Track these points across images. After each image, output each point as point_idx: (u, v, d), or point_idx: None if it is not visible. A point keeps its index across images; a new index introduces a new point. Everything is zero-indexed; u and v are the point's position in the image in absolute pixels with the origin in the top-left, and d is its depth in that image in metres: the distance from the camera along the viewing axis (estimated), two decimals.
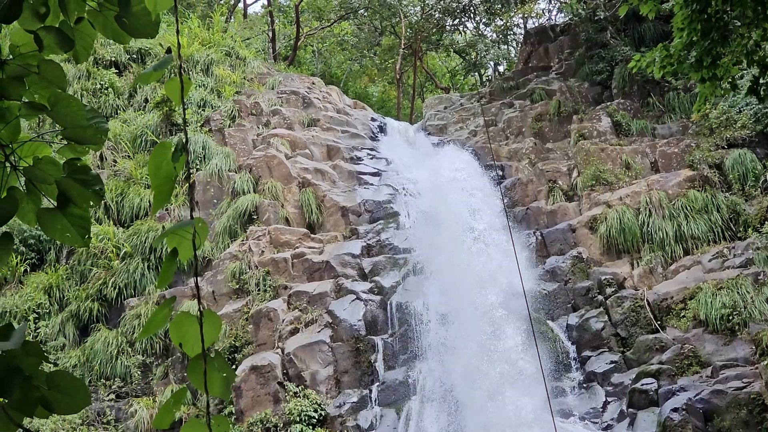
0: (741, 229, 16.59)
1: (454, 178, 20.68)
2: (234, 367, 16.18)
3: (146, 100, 24.39)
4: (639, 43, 22.97)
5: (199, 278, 19.23)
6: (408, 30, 37.28)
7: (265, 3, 39.89)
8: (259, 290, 18.04)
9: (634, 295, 16.08)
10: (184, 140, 2.41)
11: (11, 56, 2.88)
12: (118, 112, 23.98)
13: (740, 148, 17.94)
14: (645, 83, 21.98)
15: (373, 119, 26.97)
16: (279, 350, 16.59)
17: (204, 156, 21.65)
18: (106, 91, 24.34)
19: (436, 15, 35.77)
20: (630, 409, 13.85)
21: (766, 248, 15.25)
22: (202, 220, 2.40)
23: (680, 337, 14.87)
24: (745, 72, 14.99)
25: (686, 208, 17.19)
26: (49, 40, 2.84)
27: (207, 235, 2.40)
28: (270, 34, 36.72)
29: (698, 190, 17.45)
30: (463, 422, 14.73)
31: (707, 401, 13.00)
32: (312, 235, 19.89)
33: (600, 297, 16.51)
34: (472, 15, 35.26)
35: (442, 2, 34.11)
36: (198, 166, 21.38)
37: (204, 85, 24.96)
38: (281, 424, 15.17)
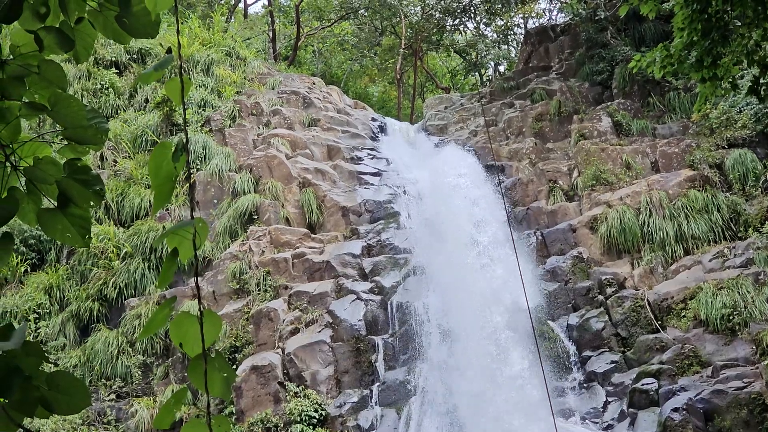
0: (741, 229, 16.58)
1: (456, 184, 20.34)
2: (234, 367, 16.18)
3: (147, 100, 24.40)
4: (639, 43, 22.97)
5: (199, 278, 19.21)
6: (408, 30, 37.28)
7: (266, 3, 39.90)
8: (259, 290, 18.05)
9: (635, 295, 16.08)
10: (184, 140, 2.41)
11: (12, 56, 2.88)
12: (119, 112, 23.99)
13: (741, 147, 17.94)
14: (645, 83, 21.98)
15: (373, 119, 26.97)
16: (279, 350, 16.59)
17: (204, 156, 21.65)
18: (106, 91, 24.35)
19: (437, 15, 35.77)
20: (630, 409, 13.85)
21: (767, 248, 15.24)
22: (203, 220, 2.40)
23: (681, 337, 14.87)
24: (745, 72, 14.99)
25: (687, 208, 17.19)
26: (49, 40, 2.84)
27: (207, 235, 2.40)
28: (270, 34, 36.73)
29: (699, 190, 17.45)
30: (463, 422, 14.74)
31: (708, 401, 13.00)
32: (312, 235, 19.90)
33: (600, 297, 16.51)
34: (472, 15, 35.26)
35: (442, 2, 34.10)
36: (198, 166, 21.38)
37: (204, 85, 24.96)
38: (282, 424, 15.17)
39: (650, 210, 17.53)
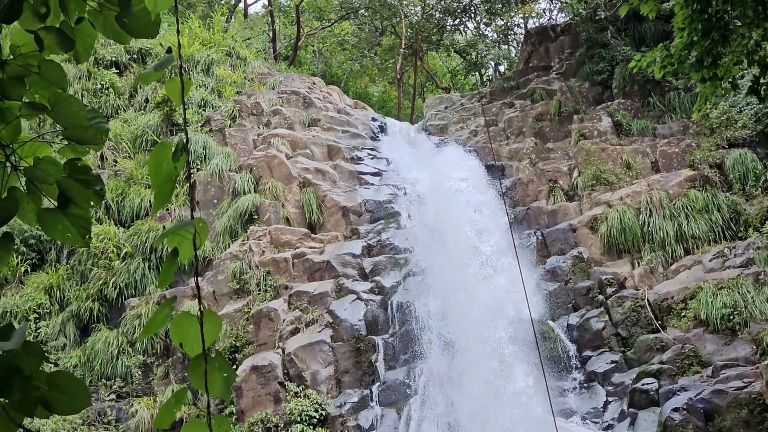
0: (742, 229, 16.58)
1: (458, 189, 20.03)
2: (235, 367, 16.18)
3: (147, 100, 24.41)
4: (639, 43, 22.97)
5: (199, 278, 19.19)
6: (408, 30, 37.28)
7: (266, 3, 39.90)
8: (259, 290, 18.05)
9: (635, 295, 16.08)
10: (184, 140, 2.41)
11: (12, 56, 2.88)
12: (119, 112, 23.99)
13: (741, 147, 17.94)
14: (645, 83, 21.98)
15: (373, 119, 26.97)
16: (280, 350, 16.59)
17: (205, 156, 21.66)
18: (106, 91, 24.36)
19: (437, 15, 35.77)
20: (631, 409, 13.85)
21: (767, 248, 15.24)
22: (203, 220, 2.40)
23: (681, 336, 14.86)
24: (745, 72, 14.99)
25: (687, 207, 17.19)
26: (49, 40, 2.84)
27: (207, 235, 2.40)
28: (270, 34, 36.73)
29: (699, 190, 17.45)
30: (463, 422, 14.73)
31: (708, 401, 13.00)
32: (313, 235, 19.90)
33: (600, 297, 16.51)
34: (472, 15, 35.26)
35: (442, 2, 34.10)
36: (199, 166, 21.38)
37: (204, 85, 24.97)
38: (282, 424, 15.17)
39: (650, 210, 17.53)
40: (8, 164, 2.78)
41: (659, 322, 15.48)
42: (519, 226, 19.22)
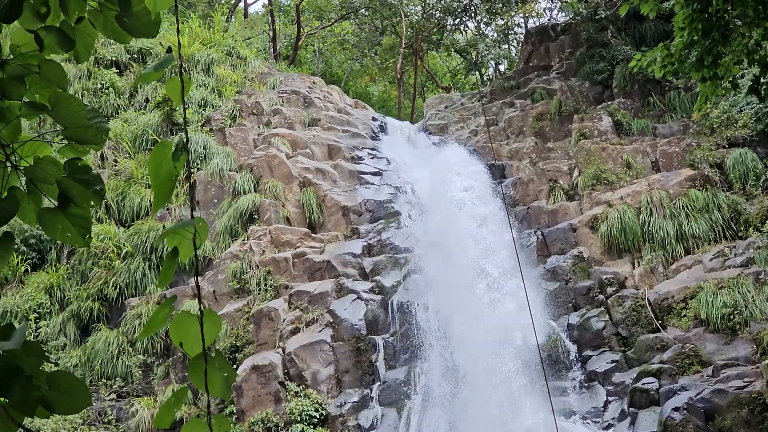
0: (742, 229, 16.58)
1: (461, 200, 19.43)
2: (235, 366, 16.19)
3: (147, 100, 24.41)
4: (640, 43, 22.96)
5: (199, 278, 19.25)
6: (409, 29, 37.27)
7: (266, 2, 39.90)
8: (260, 290, 18.05)
9: (635, 295, 16.07)
10: (184, 140, 2.41)
11: (12, 56, 2.88)
12: (119, 111, 24.00)
13: (741, 147, 17.94)
14: (646, 82, 21.98)
15: (373, 119, 26.98)
16: (280, 350, 16.59)
17: (205, 156, 21.66)
18: (106, 91, 24.36)
19: (437, 14, 35.77)
20: (631, 409, 13.84)
21: (767, 247, 15.24)
22: (203, 220, 2.40)
23: (681, 336, 14.86)
24: (745, 71, 14.98)
25: (687, 207, 17.18)
26: (49, 39, 2.84)
27: (207, 234, 2.40)
28: (271, 33, 36.74)
29: (699, 190, 17.44)
30: (463, 422, 14.73)
31: (708, 400, 12.99)
32: (313, 235, 19.90)
33: (601, 296, 16.51)
34: (473, 14, 35.26)
35: (442, 2, 34.10)
36: (199, 166, 21.38)
37: (205, 84, 24.97)
38: (282, 424, 15.18)
39: (651, 209, 17.52)
40: (8, 164, 2.78)
41: (659, 322, 15.48)
42: (519, 225, 19.22)
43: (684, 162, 18.61)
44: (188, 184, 20.38)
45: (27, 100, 2.84)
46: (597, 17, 23.83)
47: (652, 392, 13.76)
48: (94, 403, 16.45)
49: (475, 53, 37.79)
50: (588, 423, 14.24)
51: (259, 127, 23.61)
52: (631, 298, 16.01)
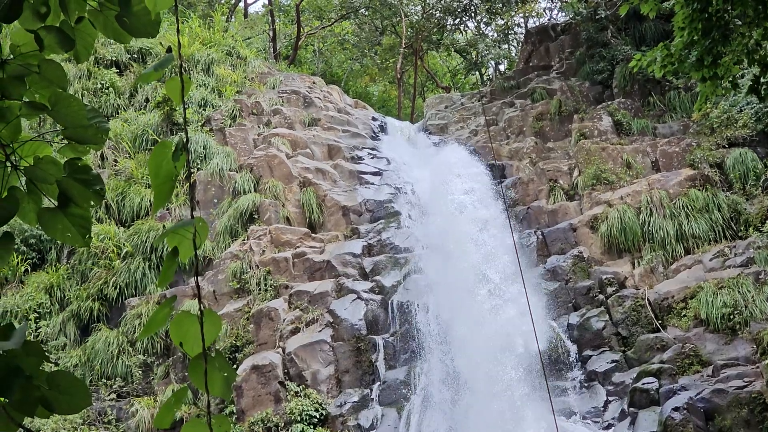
0: (742, 228, 16.58)
1: (462, 203, 19.23)
2: (235, 366, 16.19)
3: (147, 100, 24.41)
4: (640, 43, 22.96)
5: (200, 278, 19.25)
6: (409, 29, 37.27)
7: (266, 2, 39.90)
8: (260, 290, 18.05)
9: (635, 295, 16.07)
10: (184, 139, 2.41)
11: (12, 56, 2.88)
12: (119, 111, 24.00)
13: (741, 147, 17.94)
14: (646, 82, 21.98)
15: (373, 119, 26.98)
16: (280, 350, 16.59)
17: (205, 155, 21.66)
18: (106, 91, 24.36)
19: (437, 14, 35.76)
20: (631, 409, 13.84)
21: (767, 247, 15.24)
22: (203, 220, 2.40)
23: (681, 336, 14.86)
24: (745, 71, 14.98)
25: (687, 207, 17.18)
26: (49, 39, 2.84)
27: (207, 234, 2.40)
28: (271, 33, 36.74)
29: (699, 190, 17.44)
30: (464, 422, 14.73)
31: (708, 400, 12.99)
32: (313, 235, 19.90)
33: (601, 296, 16.51)
34: (473, 14, 35.26)
35: (442, 2, 34.10)
36: (199, 166, 21.38)
37: (205, 84, 24.97)
38: (282, 424, 15.18)
39: (651, 209, 17.52)
40: (8, 164, 2.78)
41: (659, 322, 15.48)
42: (519, 225, 19.21)
43: (684, 162, 18.61)
44: (188, 184, 20.38)
45: (27, 100, 2.84)
46: (597, 17, 23.83)
47: (652, 392, 13.76)
48: (94, 403, 16.45)
49: (475, 53, 37.79)
50: (588, 423, 14.24)
51: (259, 127, 23.61)
52: (631, 298, 16.01)
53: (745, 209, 16.81)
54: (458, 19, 35.77)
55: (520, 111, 23.85)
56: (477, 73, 42.55)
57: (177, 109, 21.89)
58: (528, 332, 13.58)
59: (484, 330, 15.71)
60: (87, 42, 2.98)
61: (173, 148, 2.41)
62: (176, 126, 22.62)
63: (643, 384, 13.96)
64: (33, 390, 2.43)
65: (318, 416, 15.28)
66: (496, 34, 38.12)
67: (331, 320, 16.83)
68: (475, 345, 15.52)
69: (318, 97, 26.15)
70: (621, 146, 19.99)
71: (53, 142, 3.05)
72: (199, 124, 23.12)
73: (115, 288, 18.76)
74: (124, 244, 19.43)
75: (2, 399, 2.37)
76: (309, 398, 15.55)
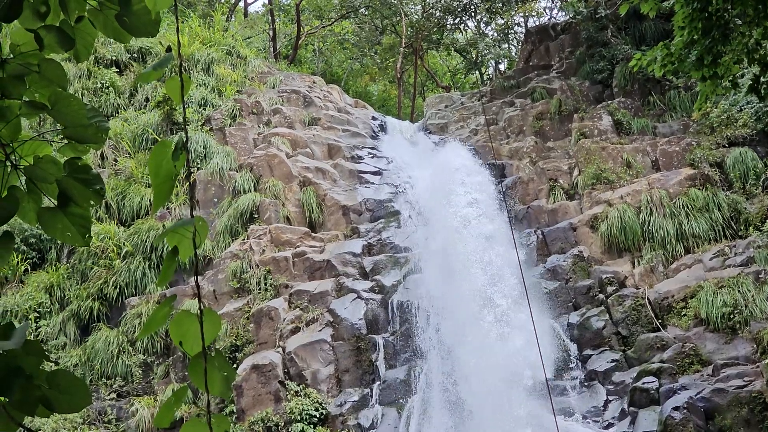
0: (742, 228, 16.58)
1: (466, 217, 18.59)
2: (235, 366, 16.19)
3: (147, 99, 24.40)
4: (640, 42, 22.95)
5: (199, 277, 19.24)
6: (409, 29, 37.27)
7: (266, 2, 39.90)
8: (260, 289, 18.05)
9: (635, 294, 16.07)
10: (184, 139, 2.41)
11: (12, 55, 2.88)
12: (119, 111, 23.99)
13: (741, 146, 17.93)
14: (646, 82, 21.97)
15: (373, 118, 26.98)
16: (280, 349, 16.59)
17: (205, 155, 21.66)
18: (106, 90, 24.35)
19: (437, 14, 35.77)
20: (631, 408, 13.84)
21: (767, 246, 15.24)
22: (203, 219, 2.40)
23: (681, 335, 14.86)
24: (745, 70, 14.97)
25: (687, 206, 17.18)
26: (49, 39, 2.84)
27: (207, 233, 2.40)
28: (271, 32, 36.73)
29: (699, 189, 17.44)
30: (464, 421, 14.73)
31: (708, 400, 12.99)
32: (313, 234, 19.90)
33: (601, 296, 16.51)
34: (473, 14, 35.25)
35: (442, 1, 34.10)
36: (199, 165, 21.39)
37: (205, 84, 24.97)
38: (282, 423, 15.18)
39: (651, 209, 17.52)
40: (8, 163, 2.78)
41: (659, 321, 15.48)
42: (519, 224, 19.20)
43: (684, 161, 18.60)
44: (188, 183, 20.39)
45: (27, 100, 2.84)
46: (597, 16, 23.83)
47: (652, 391, 13.76)
48: (94, 403, 16.45)
49: (475, 52, 37.79)
50: (588, 422, 14.24)
51: (259, 126, 23.61)
52: (631, 298, 16.01)
53: (745, 208, 16.81)
54: (458, 19, 35.75)
55: (520, 110, 23.85)
56: (477, 72, 42.54)
57: (177, 108, 21.89)
58: (535, 362, 13.03)
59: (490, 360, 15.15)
60: (87, 41, 2.98)
61: (173, 148, 2.41)
62: (176, 125, 22.62)
63: (643, 383, 13.96)
64: (33, 389, 2.43)
65: (318, 416, 15.29)
66: (496, 34, 38.09)
67: (331, 320, 16.83)
68: (483, 377, 14.88)
69: (318, 97, 26.15)
70: (621, 146, 19.99)
71: (53, 141, 3.05)
72: (199, 123, 23.12)
73: (115, 287, 18.77)
74: (124, 243, 19.43)
75: (2, 398, 2.37)
76: (309, 398, 15.55)
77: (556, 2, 33.20)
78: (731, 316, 14.38)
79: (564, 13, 29.51)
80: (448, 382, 15.47)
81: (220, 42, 27.50)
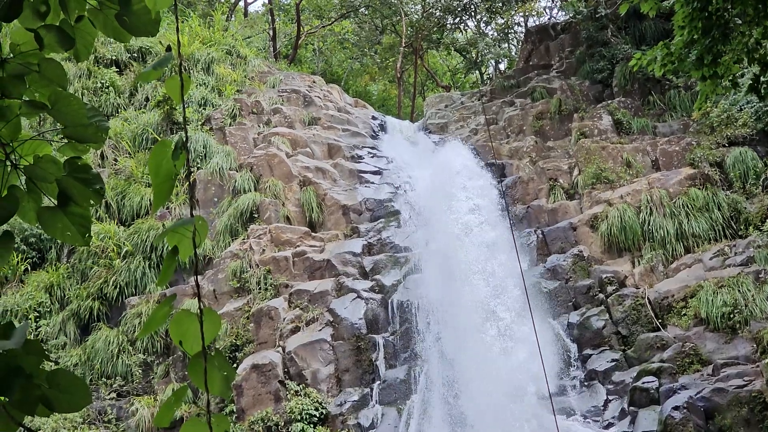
0: (742, 227, 16.58)
1: (468, 224, 18.41)
2: (235, 365, 16.19)
3: (147, 99, 24.40)
4: (640, 41, 22.95)
5: (199, 277, 19.24)
6: (409, 28, 37.26)
7: (266, 1, 39.89)
8: (260, 289, 18.05)
9: (635, 294, 16.07)
10: (184, 138, 2.41)
11: (12, 55, 2.87)
12: (119, 110, 23.99)
13: (741, 146, 17.93)
14: (646, 81, 21.97)
15: (373, 118, 26.97)
16: (280, 349, 16.59)
17: (205, 154, 21.66)
18: (106, 90, 24.34)
19: (437, 13, 35.76)
20: (631, 408, 13.84)
21: (767, 246, 15.24)
22: (202, 219, 2.40)
23: (681, 335, 14.86)
24: (745, 70, 14.97)
25: (687, 206, 17.18)
26: (49, 38, 2.83)
27: (207, 233, 2.40)
28: (271, 32, 36.73)
29: (699, 189, 17.44)
30: (464, 421, 14.73)
31: (708, 399, 12.99)
32: (313, 234, 19.90)
33: (601, 295, 16.50)
34: (473, 13, 35.24)
35: (442, 1, 34.09)
36: (199, 165, 21.39)
37: (205, 83, 24.96)
38: (282, 423, 15.18)
39: (651, 208, 17.52)
40: (8, 163, 2.78)
41: (659, 321, 15.48)
42: (519, 224, 19.20)
43: (684, 161, 18.60)
44: (188, 183, 20.39)
45: (27, 99, 2.84)
46: (597, 16, 23.82)
47: (652, 391, 13.76)
48: (94, 402, 16.45)
49: (475, 52, 37.77)
50: (588, 422, 14.24)
51: (259, 126, 23.61)
52: (631, 297, 16.01)
53: (745, 208, 16.81)
54: (458, 18, 35.74)
55: (520, 110, 23.84)
56: (477, 72, 42.53)
57: (177, 108, 21.89)
58: (538, 376, 12.91)
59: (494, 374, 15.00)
60: (87, 41, 2.98)
61: (173, 147, 2.41)
62: (176, 125, 22.61)
63: (643, 383, 13.96)
64: (33, 389, 2.43)
65: (318, 415, 15.29)
66: (496, 33, 38.09)
67: (331, 319, 16.83)
68: (486, 392, 14.73)
69: (318, 96, 26.14)
70: (621, 145, 19.98)
71: (53, 140, 3.05)
72: (199, 123, 23.12)
73: (115, 287, 18.77)
74: (124, 243, 19.43)
75: (3, 398, 2.37)
76: (309, 397, 15.55)
77: (556, 2, 33.22)
78: (731, 316, 14.38)
79: (564, 13, 29.52)
80: (449, 394, 15.34)
81: (220, 41, 27.50)
